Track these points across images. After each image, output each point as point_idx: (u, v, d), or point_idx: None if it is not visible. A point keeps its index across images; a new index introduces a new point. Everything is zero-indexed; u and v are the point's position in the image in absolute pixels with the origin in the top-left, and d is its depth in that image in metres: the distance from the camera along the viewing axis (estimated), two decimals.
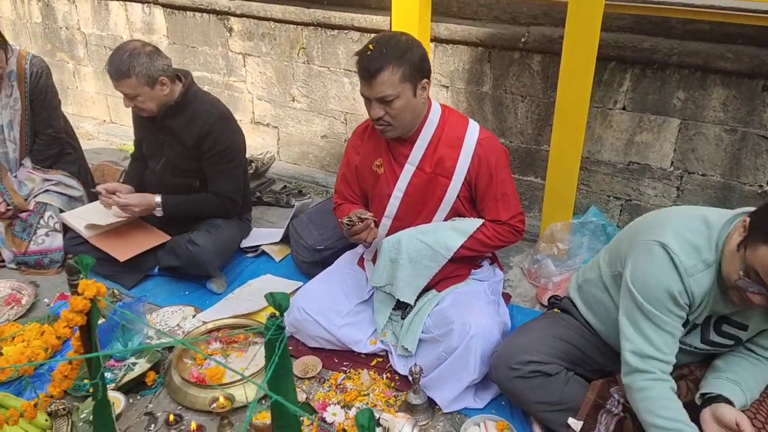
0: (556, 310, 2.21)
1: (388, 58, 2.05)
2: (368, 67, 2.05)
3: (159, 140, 2.80)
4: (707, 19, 2.49)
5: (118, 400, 2.10)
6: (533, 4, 2.82)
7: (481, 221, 2.28)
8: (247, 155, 3.95)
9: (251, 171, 3.81)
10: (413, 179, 2.29)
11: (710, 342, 1.81)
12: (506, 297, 2.73)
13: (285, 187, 3.71)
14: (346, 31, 3.31)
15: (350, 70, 3.41)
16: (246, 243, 3.11)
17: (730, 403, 1.69)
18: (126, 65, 2.51)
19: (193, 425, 2.07)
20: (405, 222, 2.34)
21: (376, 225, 2.35)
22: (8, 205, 3.03)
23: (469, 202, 2.33)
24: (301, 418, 1.71)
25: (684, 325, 1.72)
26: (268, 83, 3.76)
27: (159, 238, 2.88)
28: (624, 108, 2.80)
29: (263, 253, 3.12)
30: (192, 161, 2.74)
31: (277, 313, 1.22)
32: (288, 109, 3.78)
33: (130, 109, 2.72)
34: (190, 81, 2.70)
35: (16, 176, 3.08)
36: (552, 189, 2.79)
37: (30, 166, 3.10)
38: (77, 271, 1.40)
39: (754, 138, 2.60)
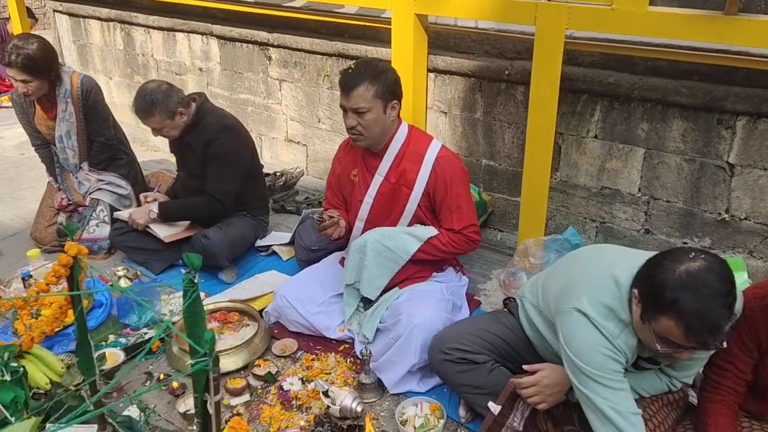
0: (505, 309, 2.42)
1: (365, 77, 2.39)
2: (348, 82, 2.40)
3: (182, 153, 3.26)
4: (665, 57, 2.66)
5: (117, 355, 2.51)
6: (517, 41, 3.07)
7: (435, 230, 2.55)
8: (279, 169, 4.39)
9: (281, 183, 4.23)
10: (381, 188, 2.60)
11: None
12: (476, 303, 2.96)
13: (307, 198, 4.09)
14: None
15: None
16: (259, 243, 3.50)
17: None
18: (148, 106, 2.97)
19: (175, 384, 2.45)
20: (375, 225, 2.63)
21: (349, 225, 2.68)
22: (69, 200, 3.57)
23: (431, 212, 2.60)
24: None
25: None
26: (299, 106, 4.18)
27: (192, 229, 3.31)
28: (596, 137, 2.99)
29: (274, 252, 3.49)
30: (204, 167, 3.15)
31: (192, 270, 1.56)
32: (315, 129, 4.18)
33: None
34: (202, 100, 3.14)
35: (76, 177, 3.62)
36: (526, 208, 3.00)
37: (87, 169, 3.62)
38: (65, 235, 1.81)
39: (712, 168, 2.72)
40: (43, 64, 3.24)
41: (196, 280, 1.53)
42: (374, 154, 2.59)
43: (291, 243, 3.47)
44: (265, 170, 4.19)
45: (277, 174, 4.25)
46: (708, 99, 2.60)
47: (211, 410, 1.28)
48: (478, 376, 2.16)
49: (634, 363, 1.86)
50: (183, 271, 1.43)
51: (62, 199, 3.58)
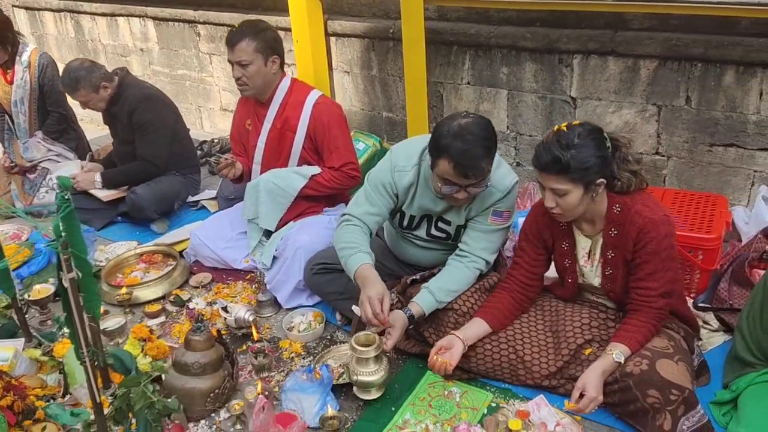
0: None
1: (246, 34, 2.73)
2: (231, 39, 2.75)
3: (112, 123, 3.59)
4: (512, 8, 2.99)
5: (48, 288, 2.85)
6: (397, 1, 3.40)
7: (319, 168, 2.90)
8: (218, 136, 4.73)
9: (217, 148, 4.57)
10: (270, 134, 2.93)
11: (431, 235, 2.39)
12: None
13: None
14: None
15: (287, 63, 4.09)
16: (191, 198, 3.86)
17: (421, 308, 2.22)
18: (73, 82, 3.28)
19: (101, 309, 2.80)
20: (269, 167, 2.97)
21: (249, 169, 3.04)
22: (12, 161, 3.91)
23: (315, 153, 2.94)
24: None
25: (402, 216, 2.37)
26: (228, 76, 4.50)
27: (127, 190, 3.65)
28: (469, 83, 3.33)
29: (203, 207, 3.85)
30: (131, 134, 3.49)
31: (66, 190, 1.90)
32: None
33: None
34: (123, 74, 3.45)
35: (26, 143, 3.95)
36: None
37: (41, 137, 3.96)
38: None
39: (559, 102, 3.07)
40: None
41: (67, 197, 1.88)
42: (262, 104, 2.93)
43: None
44: (202, 138, 4.55)
45: (214, 141, 4.59)
46: (547, 42, 2.94)
47: (66, 285, 1.64)
48: (339, 283, 2.52)
49: (435, 225, 2.34)
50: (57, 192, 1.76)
51: (5, 160, 3.92)
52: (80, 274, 1.69)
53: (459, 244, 2.34)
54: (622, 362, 1.93)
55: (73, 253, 1.73)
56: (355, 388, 2.17)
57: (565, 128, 1.89)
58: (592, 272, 2.13)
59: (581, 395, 1.90)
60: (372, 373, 2.10)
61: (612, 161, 1.93)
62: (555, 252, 2.18)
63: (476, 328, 2.15)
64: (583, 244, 2.12)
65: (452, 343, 2.10)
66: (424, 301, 2.23)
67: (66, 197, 1.87)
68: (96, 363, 1.80)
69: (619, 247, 2.01)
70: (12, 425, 1.97)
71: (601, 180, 1.91)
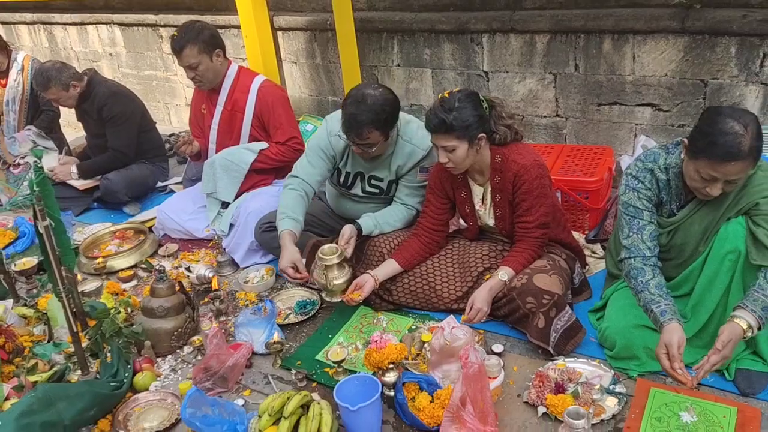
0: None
1: (187, 39, 3.06)
2: (175, 47, 3.09)
3: (83, 119, 3.93)
4: None
5: (32, 261, 3.19)
6: None
7: (266, 144, 3.27)
8: (182, 130, 5.07)
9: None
10: (222, 116, 3.29)
11: (366, 192, 2.74)
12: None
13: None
14: (229, 29, 4.36)
15: (240, 58, 4.45)
16: (160, 183, 4.21)
17: (359, 227, 2.60)
18: (45, 81, 3.62)
19: (78, 276, 3.15)
20: (223, 146, 3.33)
21: (203, 146, 3.39)
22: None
23: (263, 131, 3.30)
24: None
25: (339, 174, 2.70)
26: None
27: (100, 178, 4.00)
28: (399, 65, 3.71)
29: (172, 190, 4.19)
30: (102, 128, 3.83)
31: (39, 160, 2.26)
32: None
33: None
34: (92, 74, 3.79)
35: (12, 138, 4.26)
36: None
37: (35, 132, 4.24)
38: None
39: (475, 77, 3.46)
40: None
41: (40, 165, 2.23)
42: (214, 90, 3.29)
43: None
44: (169, 132, 4.89)
45: (181, 134, 4.94)
46: (460, 24, 3.32)
47: (41, 231, 1.99)
48: None
49: (369, 182, 2.68)
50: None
51: None
52: (53, 223, 2.05)
53: (394, 199, 2.71)
54: (507, 281, 2.30)
55: (48, 212, 2.08)
56: (323, 294, 2.54)
57: (447, 95, 2.21)
58: (486, 214, 2.49)
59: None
60: (337, 277, 2.44)
61: (489, 118, 2.28)
62: (456, 201, 2.52)
63: (388, 267, 2.50)
64: (477, 191, 2.47)
65: (365, 279, 2.45)
66: (365, 222, 2.61)
67: (39, 166, 2.23)
68: (71, 298, 2.15)
69: (503, 191, 2.37)
70: (5, 361, 2.32)
71: (482, 135, 2.24)
